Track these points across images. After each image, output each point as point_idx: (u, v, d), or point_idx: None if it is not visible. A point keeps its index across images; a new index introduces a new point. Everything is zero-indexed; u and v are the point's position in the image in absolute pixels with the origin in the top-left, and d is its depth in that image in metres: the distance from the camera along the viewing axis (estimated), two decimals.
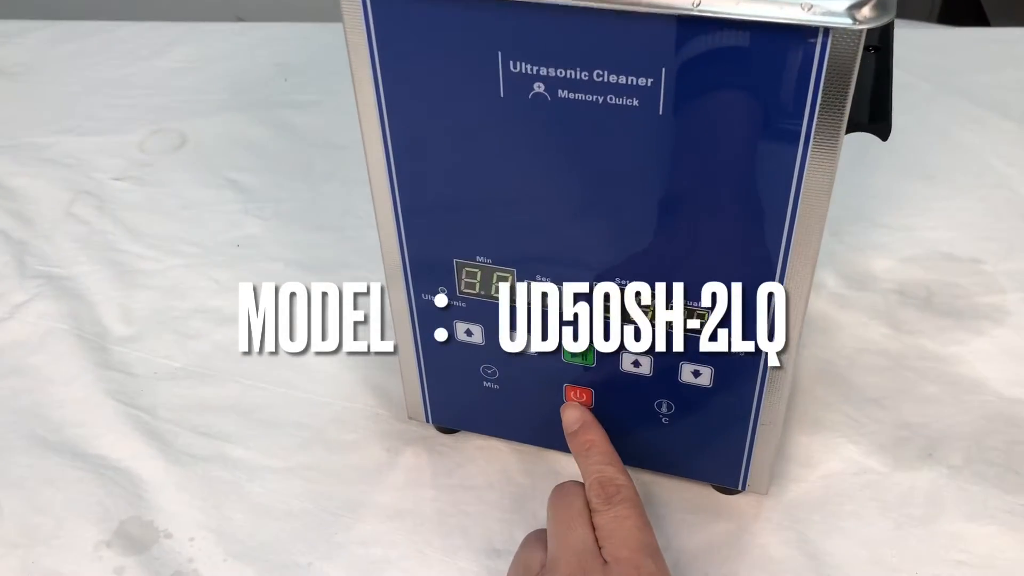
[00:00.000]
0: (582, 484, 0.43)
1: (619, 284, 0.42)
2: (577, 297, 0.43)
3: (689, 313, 0.42)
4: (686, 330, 0.43)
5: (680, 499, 0.50)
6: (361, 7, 0.37)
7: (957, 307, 0.61)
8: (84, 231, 0.69)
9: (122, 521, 0.50)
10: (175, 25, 0.94)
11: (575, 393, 0.47)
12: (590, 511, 0.42)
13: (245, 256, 0.67)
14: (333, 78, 0.85)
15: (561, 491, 0.44)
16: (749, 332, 0.42)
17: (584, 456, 0.44)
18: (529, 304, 0.44)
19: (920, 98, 0.80)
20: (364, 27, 0.37)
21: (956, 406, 0.55)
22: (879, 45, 0.42)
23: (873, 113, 0.38)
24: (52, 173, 0.75)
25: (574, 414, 0.46)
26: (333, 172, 0.75)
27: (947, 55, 0.87)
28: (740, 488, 0.49)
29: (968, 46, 0.90)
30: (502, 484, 0.51)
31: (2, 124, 0.81)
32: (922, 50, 0.86)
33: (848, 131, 0.36)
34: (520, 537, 0.44)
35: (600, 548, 0.40)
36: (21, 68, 0.89)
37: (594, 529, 0.41)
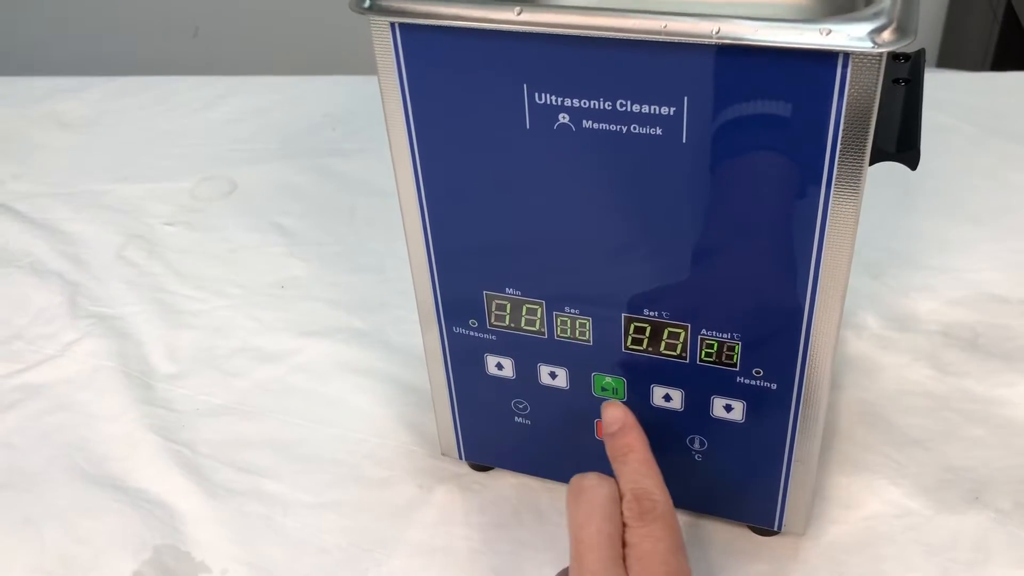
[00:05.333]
0: (604, 477, 0.41)
1: (648, 316, 0.42)
2: (606, 329, 0.43)
3: (719, 346, 0.42)
4: (716, 363, 0.42)
5: (716, 540, 0.49)
6: (392, 45, 0.38)
7: (1006, 349, 0.60)
8: (134, 273, 0.71)
9: (159, 553, 0.51)
10: (226, 79, 0.98)
11: None
12: (623, 523, 0.39)
13: (288, 297, 0.68)
14: (378, 128, 0.85)
15: (580, 495, 0.40)
16: (780, 364, 0.41)
17: (621, 462, 0.41)
18: (559, 335, 0.44)
19: (965, 141, 0.80)
20: (395, 64, 0.38)
21: (1004, 449, 0.53)
22: (909, 78, 0.42)
23: (901, 143, 0.38)
24: (106, 218, 0.78)
25: (615, 413, 0.43)
26: (376, 216, 0.76)
27: (993, 99, 0.86)
28: (776, 529, 0.48)
29: (1015, 91, 0.89)
30: (534, 522, 0.51)
31: (62, 173, 0.84)
32: (968, 94, 0.86)
33: (875, 160, 0.36)
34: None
35: (627, 569, 0.38)
36: (82, 121, 0.93)
37: (624, 545, 0.39)
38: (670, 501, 0.40)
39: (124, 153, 0.87)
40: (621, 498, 0.40)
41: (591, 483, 0.40)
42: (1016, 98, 0.87)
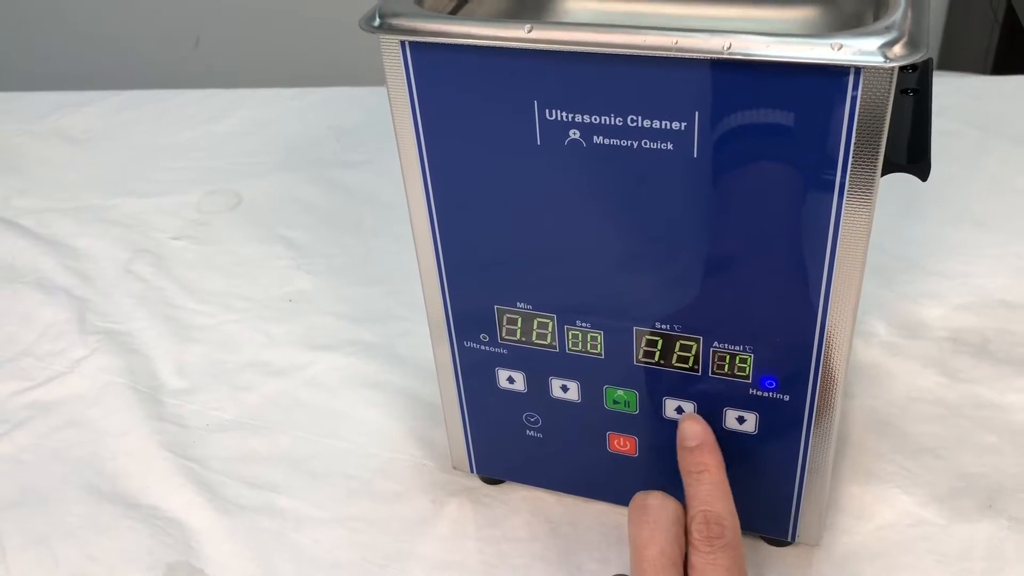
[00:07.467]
0: (668, 497, 0.40)
1: (660, 329, 0.42)
2: (618, 342, 0.43)
3: (732, 358, 0.42)
4: (729, 375, 0.42)
5: None
6: (402, 61, 0.38)
7: (1015, 355, 0.60)
8: (142, 288, 0.71)
9: (172, 570, 0.51)
10: (229, 91, 0.98)
11: (619, 441, 0.47)
12: (687, 543, 0.39)
13: (296, 310, 0.68)
14: (383, 139, 0.87)
15: (645, 513, 0.40)
16: (792, 375, 0.41)
17: (695, 480, 0.40)
18: (570, 349, 0.44)
19: (969, 146, 0.80)
20: (405, 82, 0.38)
21: (1017, 455, 0.53)
22: (918, 88, 0.42)
23: (911, 154, 0.38)
24: (113, 233, 0.78)
25: (695, 428, 0.42)
26: (382, 228, 0.76)
27: (997, 102, 0.86)
28: (790, 539, 0.48)
29: (1018, 94, 0.89)
30: (547, 535, 0.51)
31: (69, 187, 0.85)
32: (971, 98, 0.86)
33: (885, 172, 0.36)
34: None
35: None
36: (87, 135, 0.93)
37: (688, 566, 0.39)
38: (739, 528, 0.40)
39: (129, 167, 0.87)
40: (685, 515, 0.40)
41: (656, 502, 0.40)
42: (1019, 102, 0.87)
